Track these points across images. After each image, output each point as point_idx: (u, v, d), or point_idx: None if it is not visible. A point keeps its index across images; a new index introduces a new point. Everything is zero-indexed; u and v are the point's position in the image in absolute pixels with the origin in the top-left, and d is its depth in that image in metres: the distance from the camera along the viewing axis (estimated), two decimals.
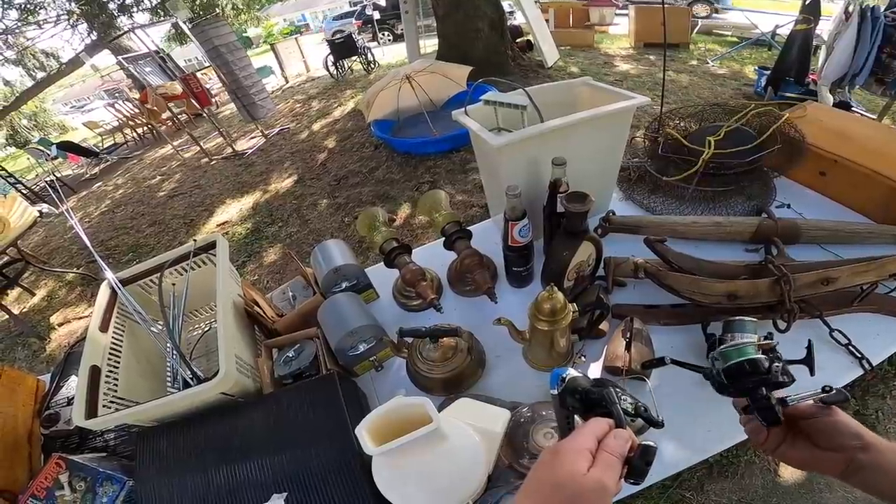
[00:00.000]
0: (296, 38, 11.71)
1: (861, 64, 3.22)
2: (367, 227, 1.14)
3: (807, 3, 3.89)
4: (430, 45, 7.49)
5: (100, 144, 8.50)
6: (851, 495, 1.43)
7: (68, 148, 7.40)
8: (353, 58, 8.74)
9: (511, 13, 8.64)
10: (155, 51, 6.24)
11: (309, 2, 27.82)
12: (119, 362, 0.94)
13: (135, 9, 10.40)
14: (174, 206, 4.78)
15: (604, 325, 0.92)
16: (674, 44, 6.61)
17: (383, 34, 12.48)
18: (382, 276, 1.17)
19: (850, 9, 3.25)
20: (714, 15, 7.07)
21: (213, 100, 7.15)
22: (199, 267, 1.12)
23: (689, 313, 0.93)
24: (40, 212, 3.58)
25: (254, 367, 0.92)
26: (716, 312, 0.87)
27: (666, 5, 6.59)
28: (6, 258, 3.29)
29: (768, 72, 4.31)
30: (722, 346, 0.59)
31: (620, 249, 1.04)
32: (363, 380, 0.98)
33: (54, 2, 10.01)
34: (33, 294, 3.71)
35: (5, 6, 9.62)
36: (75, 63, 10.90)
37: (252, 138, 6.16)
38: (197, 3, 10.42)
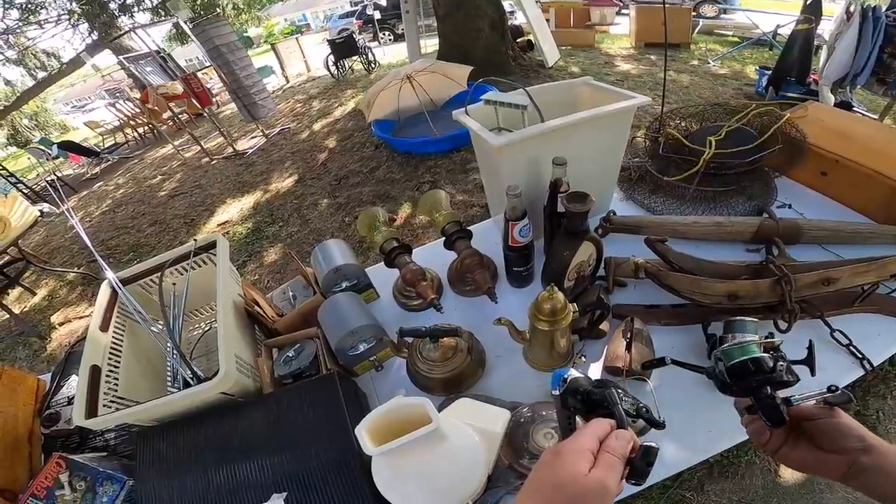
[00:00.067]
0: (296, 38, 11.71)
1: (862, 64, 3.21)
2: (368, 227, 1.14)
3: (808, 3, 3.88)
4: (430, 44, 7.49)
5: (101, 144, 8.50)
6: (852, 496, 1.43)
7: (69, 147, 7.40)
8: (354, 57, 8.74)
9: (512, 13, 8.65)
10: (156, 50, 6.24)
11: (310, 1, 27.84)
12: (119, 362, 0.94)
13: (136, 8, 10.40)
14: (175, 205, 4.79)
15: (604, 326, 0.92)
16: (675, 44, 6.60)
17: (384, 34, 12.49)
18: (383, 276, 1.17)
19: (852, 9, 3.24)
20: (722, 15, 7.03)
21: (214, 99, 7.15)
22: (200, 267, 1.12)
23: (690, 313, 0.93)
24: (41, 211, 3.58)
25: (254, 367, 0.92)
26: (716, 313, 0.87)
27: (668, 5, 6.59)
28: (7, 258, 3.30)
29: (769, 72, 4.31)
30: (724, 345, 0.58)
31: (621, 249, 1.04)
32: (363, 380, 0.98)
33: (55, 1, 10.02)
34: (34, 293, 3.72)
35: (6, 6, 9.63)
36: (76, 63, 10.91)
37: (253, 138, 6.16)
38: (198, 2, 10.42)
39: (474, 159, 1.29)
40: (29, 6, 9.78)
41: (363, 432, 0.52)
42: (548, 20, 7.62)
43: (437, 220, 1.12)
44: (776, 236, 1.03)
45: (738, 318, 0.74)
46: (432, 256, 1.23)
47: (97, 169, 7.43)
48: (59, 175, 7.42)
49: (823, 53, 3.63)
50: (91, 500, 0.76)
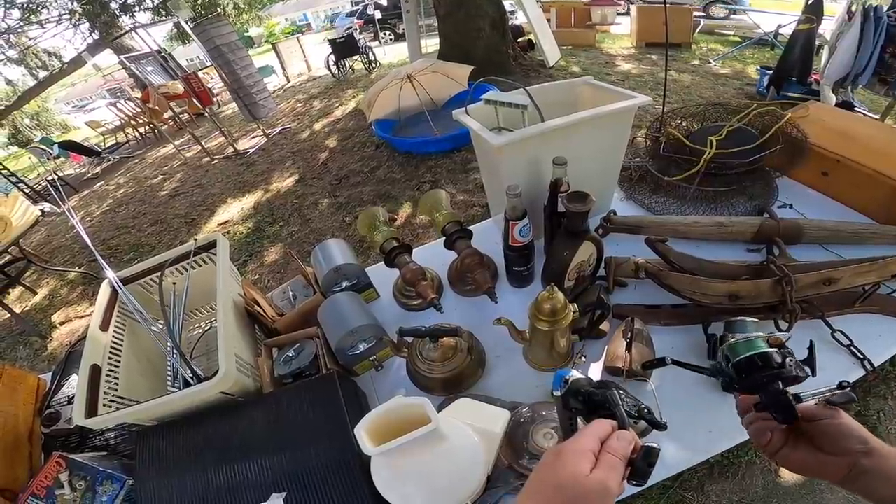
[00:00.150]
0: (297, 38, 11.70)
1: (864, 64, 3.21)
2: (368, 227, 1.14)
3: (809, 2, 3.88)
4: (431, 44, 7.49)
5: (102, 144, 8.51)
6: (852, 496, 1.43)
7: (70, 147, 7.41)
8: (355, 57, 8.74)
9: (512, 13, 8.63)
10: (157, 50, 6.24)
11: (310, 1, 27.85)
12: (119, 361, 0.94)
13: (136, 8, 10.41)
14: (176, 205, 4.79)
15: (604, 326, 0.92)
16: (676, 43, 6.59)
17: (385, 33, 12.48)
18: (383, 276, 1.17)
19: (853, 9, 3.23)
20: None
21: (215, 99, 7.16)
22: (200, 266, 1.12)
23: (691, 314, 0.93)
24: (42, 211, 3.58)
25: (254, 367, 0.92)
26: (717, 313, 0.87)
27: (672, 5, 6.58)
28: (8, 257, 3.30)
29: (771, 72, 4.30)
30: (731, 340, 0.57)
31: (621, 249, 1.04)
32: (363, 379, 0.98)
33: (56, 1, 10.03)
34: (35, 293, 3.72)
35: (7, 6, 9.64)
36: (77, 62, 10.91)
37: (253, 138, 6.17)
38: (199, 2, 10.42)
39: (475, 159, 1.29)
40: (30, 6, 9.79)
41: (362, 432, 0.52)
42: (549, 20, 7.61)
43: (438, 219, 1.12)
44: (777, 236, 1.02)
45: (738, 318, 0.74)
46: (432, 256, 1.23)
47: (98, 168, 7.44)
48: (60, 174, 7.43)
49: (825, 53, 3.63)
50: (91, 500, 0.76)
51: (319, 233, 3.48)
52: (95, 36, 10.43)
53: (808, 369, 0.53)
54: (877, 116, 3.46)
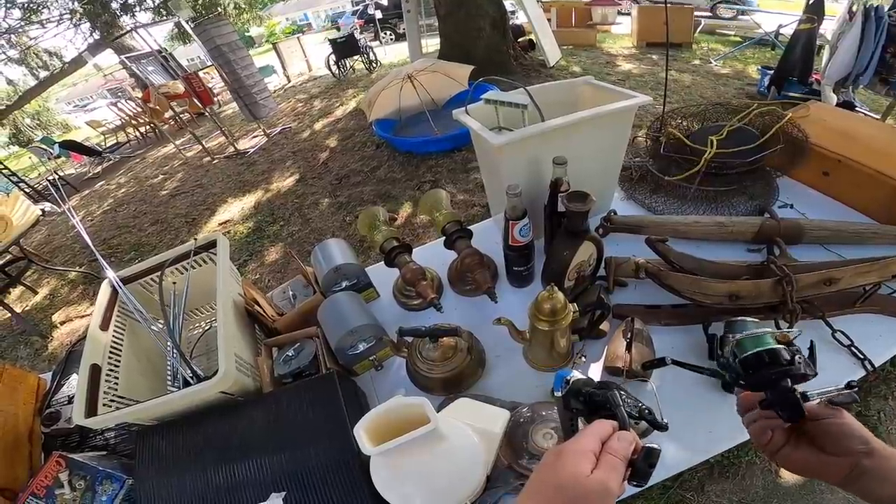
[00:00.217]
0: (298, 38, 11.71)
1: (865, 64, 3.20)
2: (368, 227, 1.14)
3: (810, 2, 3.87)
4: (432, 44, 7.49)
5: (102, 143, 8.52)
6: (853, 496, 1.43)
7: (71, 147, 7.42)
8: (355, 57, 8.74)
9: (513, 12, 8.64)
10: (157, 50, 6.24)
11: (311, 1, 27.85)
12: (119, 361, 0.94)
13: (137, 8, 10.41)
14: (176, 204, 4.79)
15: (604, 326, 0.92)
16: (676, 43, 6.58)
17: (385, 33, 12.49)
18: (383, 276, 1.17)
19: (854, 8, 3.23)
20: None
21: (216, 99, 7.16)
22: (200, 266, 1.12)
23: (691, 314, 0.93)
24: (43, 210, 3.58)
25: (253, 366, 0.92)
26: (717, 313, 0.87)
27: (673, 5, 6.57)
28: (9, 256, 3.30)
29: (772, 71, 4.30)
30: (738, 335, 0.56)
31: (621, 249, 1.04)
32: (363, 379, 0.98)
33: (57, 1, 10.04)
34: (36, 292, 3.73)
35: (8, 5, 9.65)
36: (78, 62, 10.92)
37: (254, 137, 6.17)
38: (199, 2, 10.43)
39: (475, 159, 1.29)
40: (31, 6, 9.79)
41: (361, 432, 0.52)
42: (549, 20, 7.61)
43: (438, 219, 1.12)
44: (778, 236, 1.02)
45: (739, 318, 0.74)
46: (432, 256, 1.23)
47: (99, 168, 7.45)
48: (61, 174, 7.44)
49: (826, 53, 3.62)
50: (90, 499, 0.76)
51: (320, 232, 3.49)
52: (96, 36, 10.44)
53: (815, 368, 0.52)
54: (878, 116, 3.46)
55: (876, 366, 0.80)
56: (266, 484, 0.70)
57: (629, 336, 0.83)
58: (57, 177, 7.02)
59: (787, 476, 1.51)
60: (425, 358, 0.88)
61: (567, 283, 0.95)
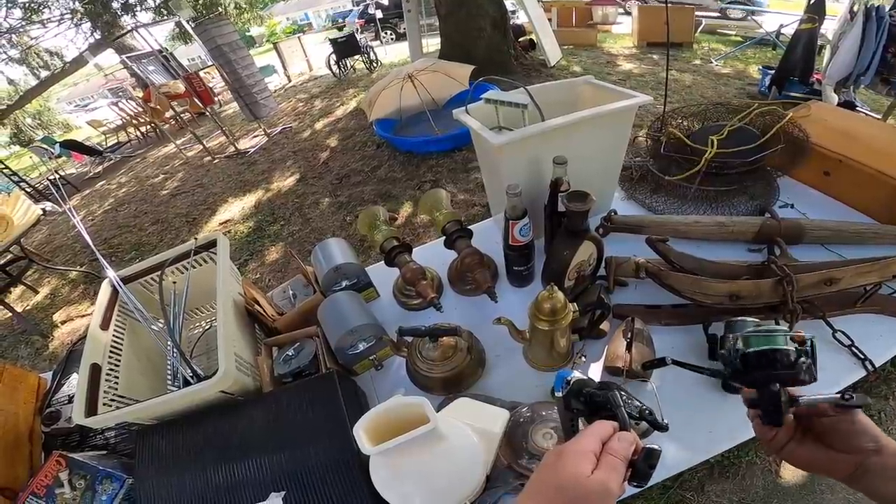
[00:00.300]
0: (298, 37, 11.71)
1: (866, 63, 3.20)
2: (368, 226, 1.14)
3: (811, 2, 3.87)
4: (432, 44, 7.49)
5: (103, 143, 8.53)
6: (853, 497, 1.43)
7: (72, 146, 7.43)
8: (356, 57, 8.73)
9: (513, 12, 8.63)
10: (158, 50, 6.24)
11: (311, 1, 27.85)
12: (120, 360, 0.94)
13: (138, 8, 10.42)
14: (177, 204, 4.80)
15: (604, 325, 0.92)
16: (677, 43, 6.58)
17: (386, 33, 12.47)
18: (383, 275, 1.17)
19: (855, 8, 3.23)
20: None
21: (216, 99, 7.16)
22: (200, 265, 1.12)
23: (691, 314, 0.93)
24: (43, 210, 3.58)
25: (253, 366, 0.92)
26: (717, 313, 0.87)
27: (677, 5, 6.56)
28: (9, 256, 3.30)
29: (772, 71, 4.29)
30: (748, 329, 0.53)
31: (622, 249, 1.04)
32: (363, 379, 0.98)
33: (58, 1, 10.04)
34: (36, 292, 3.73)
35: (9, 5, 9.65)
36: (79, 62, 10.94)
37: (254, 137, 6.17)
38: (200, 2, 10.44)
39: (476, 158, 1.29)
40: (32, 5, 9.80)
41: (361, 432, 0.52)
42: (550, 19, 7.61)
43: (438, 219, 1.12)
44: (778, 236, 1.02)
45: (739, 318, 0.74)
46: (432, 255, 1.23)
47: (100, 168, 7.45)
48: (62, 174, 7.44)
49: (827, 53, 3.62)
50: (90, 499, 0.76)
51: (320, 232, 3.49)
52: (97, 35, 10.45)
53: (816, 374, 0.50)
54: (879, 116, 3.45)
55: (876, 366, 0.80)
56: (266, 483, 0.70)
57: (629, 336, 0.83)
58: (58, 176, 7.03)
59: (788, 476, 1.51)
60: (425, 357, 0.88)
61: (567, 282, 0.95)
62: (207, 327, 1.18)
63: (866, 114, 3.64)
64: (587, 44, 7.48)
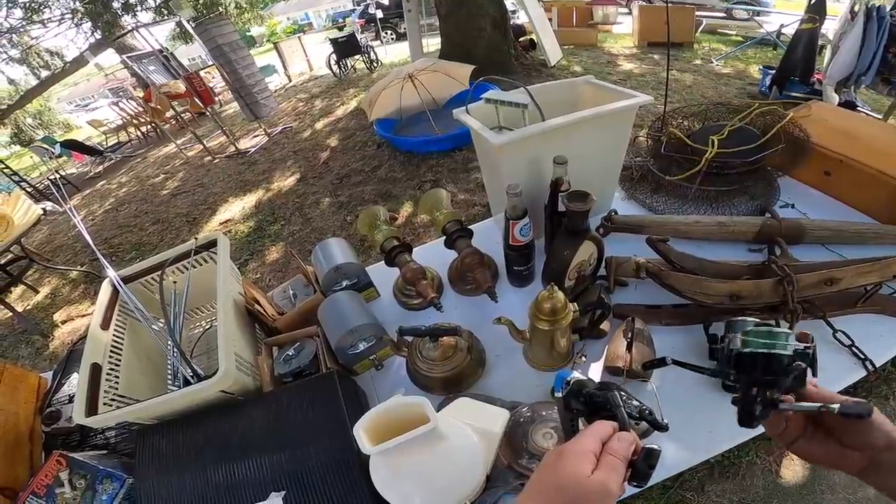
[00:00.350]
0: (299, 37, 11.72)
1: (867, 63, 3.19)
2: (368, 226, 1.14)
3: (812, 2, 3.86)
4: (432, 43, 7.49)
5: (104, 143, 8.53)
6: (853, 497, 1.43)
7: (73, 146, 7.43)
8: (356, 56, 8.74)
9: (514, 12, 8.63)
10: (159, 49, 6.24)
11: (312, 1, 27.85)
12: (120, 360, 0.94)
13: (138, 8, 10.43)
14: (177, 204, 4.80)
15: (605, 325, 0.92)
16: (678, 43, 6.58)
17: (386, 33, 12.47)
18: (383, 275, 1.17)
19: (856, 8, 3.22)
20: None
21: (217, 98, 7.17)
22: (201, 265, 1.12)
23: (691, 313, 0.93)
24: (44, 209, 3.59)
25: (254, 366, 0.92)
26: (718, 313, 0.87)
27: (677, 4, 6.55)
28: (10, 256, 3.30)
29: (773, 71, 4.29)
30: (748, 328, 0.50)
31: (622, 249, 1.04)
32: (363, 378, 0.98)
33: (58, 1, 10.05)
34: (37, 291, 3.73)
35: (10, 5, 9.66)
36: (79, 62, 10.95)
37: (255, 137, 6.17)
38: (200, 1, 10.45)
39: (476, 158, 1.29)
40: (32, 5, 9.81)
41: (361, 431, 0.52)
42: (550, 19, 7.60)
43: (438, 218, 1.12)
44: (779, 236, 1.02)
45: (739, 318, 0.73)
46: (433, 255, 1.23)
47: (100, 168, 7.46)
48: (63, 174, 7.45)
49: (827, 53, 3.62)
50: (91, 498, 0.76)
51: (320, 232, 3.49)
52: (97, 35, 10.45)
53: (809, 379, 0.48)
54: (880, 116, 3.45)
55: (877, 366, 0.80)
56: (266, 483, 0.70)
57: (630, 336, 0.83)
58: (58, 176, 7.04)
59: (788, 476, 1.51)
60: (425, 357, 0.88)
61: (567, 282, 0.95)
62: (208, 327, 1.18)
63: (867, 114, 3.64)
64: (588, 44, 7.48)
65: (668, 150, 1.26)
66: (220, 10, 10.77)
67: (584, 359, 0.90)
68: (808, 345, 0.48)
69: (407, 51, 7.88)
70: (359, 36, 8.62)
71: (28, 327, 3.20)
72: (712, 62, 5.84)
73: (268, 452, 0.73)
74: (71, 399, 1.01)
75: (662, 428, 0.50)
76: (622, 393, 0.49)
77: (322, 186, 4.19)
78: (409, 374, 0.94)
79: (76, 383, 0.84)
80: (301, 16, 27.84)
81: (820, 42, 4.04)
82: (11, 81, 12.93)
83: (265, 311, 1.03)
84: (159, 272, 1.02)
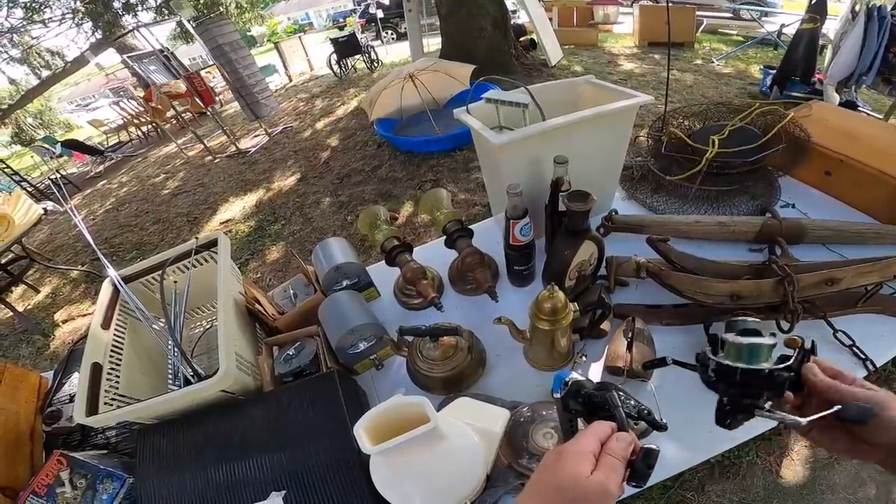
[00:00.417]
0: (299, 37, 11.72)
1: (868, 63, 3.19)
2: (369, 226, 1.14)
3: (813, 2, 3.86)
4: (433, 43, 7.50)
5: (104, 143, 8.54)
6: (853, 496, 1.43)
7: (73, 146, 7.44)
8: (357, 56, 8.74)
9: (514, 12, 8.62)
10: (159, 49, 6.24)
11: (312, 0, 27.85)
12: (121, 360, 0.94)
13: (139, 7, 10.43)
14: (178, 204, 4.80)
15: (605, 325, 0.92)
16: (678, 43, 6.57)
17: (387, 33, 12.48)
18: (384, 275, 1.17)
19: (857, 8, 3.22)
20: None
21: (217, 98, 7.18)
22: (201, 265, 1.12)
23: (692, 313, 0.93)
24: (45, 209, 3.59)
25: (254, 365, 0.92)
26: (718, 313, 0.87)
27: (678, 4, 6.55)
28: (11, 255, 3.30)
29: (774, 71, 4.28)
30: (740, 340, 0.48)
31: (623, 249, 1.04)
32: (363, 378, 0.98)
33: (59, 1, 10.06)
34: (38, 291, 3.73)
35: (10, 5, 9.67)
36: (80, 61, 10.96)
37: (255, 137, 6.17)
38: (201, 1, 10.45)
39: (476, 158, 1.29)
40: (33, 5, 9.81)
41: (361, 431, 0.52)
42: (551, 19, 7.60)
43: (439, 218, 1.12)
44: (779, 236, 1.02)
45: (739, 317, 0.73)
46: (433, 255, 1.23)
47: (101, 167, 7.46)
48: (63, 173, 7.46)
49: (828, 53, 3.62)
50: (91, 498, 0.76)
51: (321, 231, 3.49)
52: (98, 35, 10.45)
53: (785, 389, 0.47)
54: (880, 116, 3.44)
55: (877, 366, 0.80)
56: (266, 483, 0.70)
57: (630, 336, 0.83)
58: (59, 176, 7.05)
59: (788, 476, 1.50)
60: (426, 357, 0.88)
61: (568, 282, 0.95)
62: (208, 326, 1.18)
63: (868, 114, 3.63)
64: (588, 43, 7.48)
65: (668, 150, 1.26)
66: (221, 9, 10.78)
67: (584, 358, 0.90)
68: (792, 357, 0.47)
69: (407, 50, 7.88)
70: (359, 36, 8.62)
71: (29, 327, 3.21)
72: (713, 62, 5.83)
73: (268, 452, 0.73)
74: (71, 398, 1.01)
75: (661, 427, 0.50)
76: (620, 393, 0.50)
77: (322, 186, 4.19)
78: (409, 373, 0.94)
79: (77, 383, 0.84)
80: (302, 15, 27.84)
81: (821, 42, 4.03)
82: (12, 81, 12.94)
83: (265, 310, 1.03)
84: (160, 272, 1.02)
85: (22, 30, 10.66)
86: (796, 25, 4.13)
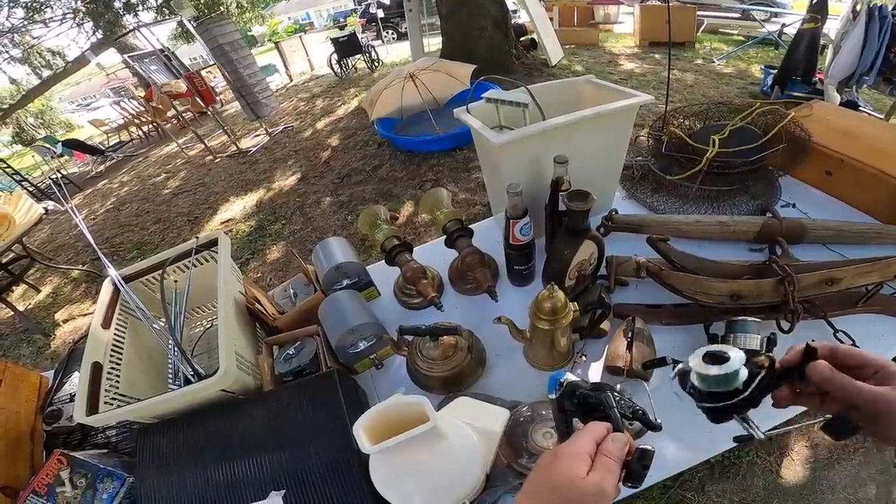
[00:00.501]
0: (300, 37, 11.72)
1: (869, 63, 3.19)
2: (369, 225, 1.14)
3: (814, 1, 3.86)
4: (433, 43, 7.50)
5: (105, 142, 8.54)
6: (853, 496, 1.42)
7: (74, 146, 7.45)
8: (357, 56, 8.75)
9: (515, 12, 8.62)
10: (160, 49, 6.25)
11: (313, 0, 27.86)
12: (121, 359, 0.94)
13: (140, 7, 10.45)
14: (178, 203, 4.81)
15: (605, 325, 0.92)
16: (679, 42, 6.57)
17: (387, 32, 12.48)
18: (384, 274, 1.17)
19: (858, 8, 3.22)
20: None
21: (218, 98, 7.18)
22: (201, 264, 1.12)
23: (692, 313, 0.93)
24: (46, 209, 3.59)
25: (254, 365, 0.92)
26: (719, 312, 0.86)
27: (679, 4, 6.54)
28: (11, 255, 3.31)
29: (775, 71, 4.28)
30: (711, 371, 0.46)
31: (623, 248, 1.04)
32: (363, 378, 0.98)
33: (60, 0, 10.06)
34: (38, 291, 3.74)
35: (11, 5, 9.68)
36: (81, 61, 10.97)
37: (256, 136, 6.18)
38: (202, 1, 10.46)
39: (476, 158, 1.29)
40: (34, 5, 9.82)
41: (360, 430, 0.52)
42: (551, 19, 7.59)
43: (439, 218, 1.12)
44: (780, 236, 1.02)
45: (740, 318, 0.73)
46: (433, 255, 1.23)
47: (102, 167, 7.47)
48: (64, 173, 7.46)
49: (829, 52, 3.61)
50: (91, 497, 0.77)
51: (321, 231, 3.49)
52: (99, 35, 10.47)
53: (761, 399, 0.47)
54: (881, 116, 3.44)
55: None
56: (266, 482, 0.70)
57: (630, 335, 0.83)
58: (60, 175, 7.05)
59: (788, 476, 1.50)
60: (425, 356, 0.88)
61: (568, 282, 0.95)
62: (209, 326, 1.19)
63: (869, 113, 3.63)
64: (589, 43, 7.48)
65: (669, 150, 1.26)
66: (222, 9, 10.80)
67: (584, 358, 0.90)
68: (766, 365, 0.47)
69: (408, 50, 7.88)
70: (360, 35, 8.62)
71: (29, 326, 3.21)
72: (714, 62, 5.83)
73: (268, 451, 0.73)
74: (72, 398, 1.02)
75: (655, 427, 0.50)
76: (615, 393, 0.50)
77: (323, 186, 4.20)
78: (409, 373, 0.94)
79: (77, 382, 0.84)
80: (302, 15, 27.86)
81: (821, 42, 4.03)
82: (13, 81, 12.96)
83: (266, 310, 1.03)
84: (160, 271, 1.02)
85: (23, 29, 10.67)
86: (797, 25, 4.13)
